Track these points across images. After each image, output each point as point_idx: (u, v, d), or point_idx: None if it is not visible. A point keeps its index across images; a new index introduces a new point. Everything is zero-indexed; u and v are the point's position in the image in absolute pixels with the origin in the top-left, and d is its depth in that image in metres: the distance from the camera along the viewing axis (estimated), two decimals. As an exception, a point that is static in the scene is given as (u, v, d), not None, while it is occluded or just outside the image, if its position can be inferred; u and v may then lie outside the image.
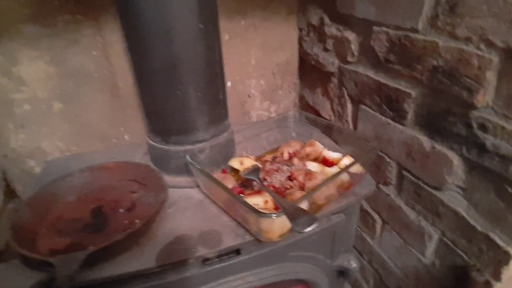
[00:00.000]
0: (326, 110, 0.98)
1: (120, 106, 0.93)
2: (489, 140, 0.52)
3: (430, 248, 0.70)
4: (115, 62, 0.87)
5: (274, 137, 0.67)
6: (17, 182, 0.91)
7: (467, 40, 0.52)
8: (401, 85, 0.67)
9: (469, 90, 0.53)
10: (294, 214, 0.37)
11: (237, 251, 0.48)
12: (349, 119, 0.87)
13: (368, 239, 0.91)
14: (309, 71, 1.03)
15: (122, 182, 0.57)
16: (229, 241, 0.46)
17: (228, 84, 1.03)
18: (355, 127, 0.85)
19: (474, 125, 0.54)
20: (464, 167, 0.58)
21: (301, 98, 1.14)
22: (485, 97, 0.52)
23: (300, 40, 1.04)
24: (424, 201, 0.68)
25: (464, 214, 0.60)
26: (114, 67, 0.87)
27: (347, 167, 0.47)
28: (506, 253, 0.53)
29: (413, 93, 0.64)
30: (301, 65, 1.08)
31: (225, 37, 0.95)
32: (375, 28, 0.69)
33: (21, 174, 0.92)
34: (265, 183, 0.49)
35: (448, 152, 0.60)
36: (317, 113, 1.02)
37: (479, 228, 0.57)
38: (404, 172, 0.71)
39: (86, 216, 0.51)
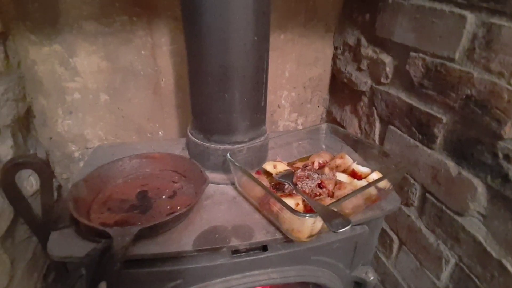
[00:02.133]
0: (353, 127, 1.01)
1: (159, 104, 1.00)
2: (513, 171, 0.54)
3: (446, 272, 0.71)
4: (161, 63, 0.94)
5: (304, 147, 0.71)
6: (57, 164, 0.99)
7: (500, 74, 0.55)
8: (433, 110, 0.69)
9: (498, 122, 0.55)
10: (329, 216, 0.41)
11: (264, 248, 0.51)
12: (376, 138, 0.90)
13: (383, 258, 0.93)
14: (340, 88, 1.07)
15: (165, 172, 0.62)
16: (260, 236, 0.49)
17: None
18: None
19: (500, 155, 0.56)
20: (487, 195, 0.60)
21: (329, 113, 1.17)
22: (513, 130, 0.54)
23: (334, 57, 1.08)
24: (445, 225, 0.69)
25: (482, 240, 0.61)
26: (159, 67, 0.94)
27: (377, 180, 0.50)
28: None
29: (444, 118, 0.66)
30: (332, 81, 1.12)
31: (264, 48, 1.01)
32: (412, 53, 0.73)
33: (61, 157, 0.99)
34: (297, 187, 0.53)
35: (473, 179, 0.61)
36: (344, 129, 1.05)
37: (494, 254, 0.59)
38: (428, 195, 0.73)
39: (132, 198, 0.56)
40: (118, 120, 0.99)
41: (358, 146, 0.64)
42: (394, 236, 0.87)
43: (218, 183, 0.63)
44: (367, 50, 0.90)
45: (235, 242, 0.48)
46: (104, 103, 0.96)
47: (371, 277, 0.61)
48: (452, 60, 0.63)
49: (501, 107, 0.55)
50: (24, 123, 0.84)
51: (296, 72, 1.09)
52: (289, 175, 0.50)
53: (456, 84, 0.63)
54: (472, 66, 0.60)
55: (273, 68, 1.05)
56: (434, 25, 0.66)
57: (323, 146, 0.70)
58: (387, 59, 0.82)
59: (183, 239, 0.48)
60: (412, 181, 0.77)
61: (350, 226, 0.40)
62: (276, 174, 0.57)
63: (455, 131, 0.65)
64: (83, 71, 0.91)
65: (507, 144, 0.55)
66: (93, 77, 0.92)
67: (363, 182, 0.56)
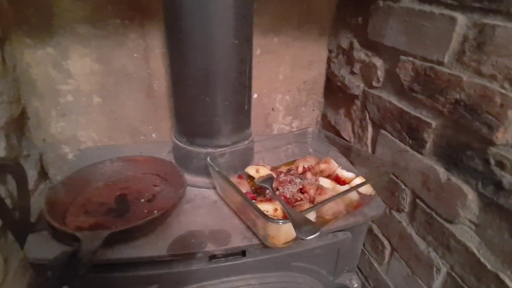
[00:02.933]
0: (347, 131, 0.99)
1: (153, 106, 1.00)
2: (506, 178, 0.52)
3: (438, 281, 0.69)
4: (153, 66, 0.94)
5: (292, 151, 0.70)
6: (50, 165, 0.99)
7: (492, 77, 0.53)
8: (423, 115, 0.68)
9: (489, 127, 0.54)
10: (299, 222, 0.40)
11: (242, 253, 0.50)
12: (369, 142, 0.88)
13: (375, 264, 0.91)
14: (334, 92, 1.06)
15: (147, 175, 0.62)
16: (236, 242, 0.48)
17: (255, 96, 1.08)
18: (373, 151, 0.86)
19: (492, 161, 0.54)
20: (479, 203, 0.58)
21: (324, 116, 1.16)
22: (505, 135, 0.52)
23: (329, 61, 1.07)
24: (435, 233, 0.67)
25: (474, 250, 0.59)
26: (152, 70, 0.94)
27: (357, 186, 0.48)
28: (515, 295, 0.52)
29: (434, 123, 0.65)
30: (327, 85, 1.11)
31: (257, 51, 1.00)
32: (402, 57, 0.71)
33: (55, 158, 1.00)
34: (277, 193, 0.52)
35: (463, 186, 0.60)
36: (338, 133, 1.04)
37: (489, 266, 0.56)
38: (418, 201, 0.71)
39: (111, 202, 0.56)
40: (111, 122, 0.99)
41: (346, 150, 0.63)
42: (386, 242, 0.85)
43: (200, 187, 0.62)
44: (360, 54, 0.89)
45: (210, 248, 0.47)
46: (97, 105, 0.96)
47: (355, 284, 0.59)
48: (441, 63, 0.62)
49: (493, 111, 0.53)
50: (19, 125, 0.84)
51: (291, 75, 1.08)
52: (269, 180, 0.49)
53: (445, 88, 0.61)
54: (461, 69, 0.59)
55: (267, 71, 1.05)
56: (424, 28, 0.65)
57: (311, 150, 0.69)
58: (378, 62, 0.81)
59: (158, 244, 0.48)
60: (403, 186, 0.75)
61: (317, 234, 0.39)
62: (258, 178, 0.56)
63: (444, 136, 0.63)
64: (76, 74, 0.91)
65: (500, 150, 0.53)
66: (86, 79, 0.92)
67: (346, 188, 0.55)
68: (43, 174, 0.97)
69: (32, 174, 0.87)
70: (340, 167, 0.61)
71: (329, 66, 1.07)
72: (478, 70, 0.55)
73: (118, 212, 0.54)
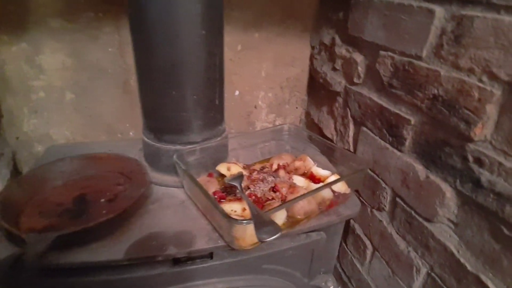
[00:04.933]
0: (329, 129, 0.97)
1: (129, 103, 0.96)
2: (484, 175, 0.51)
3: (418, 282, 0.67)
4: (130, 60, 0.90)
5: (269, 149, 0.67)
6: (24, 163, 0.95)
7: (470, 71, 0.52)
8: (402, 111, 0.66)
9: (467, 122, 0.52)
10: (260, 223, 0.37)
11: (209, 256, 0.48)
12: (350, 140, 0.86)
13: (358, 265, 0.89)
14: (317, 89, 1.04)
15: (110, 173, 0.58)
16: (201, 244, 0.46)
17: (236, 93, 1.05)
18: (355, 149, 0.84)
19: (470, 158, 0.53)
20: (457, 201, 0.56)
21: (307, 114, 1.14)
22: (483, 131, 0.51)
23: (312, 57, 1.05)
24: (414, 232, 0.66)
25: (453, 250, 0.58)
26: (128, 65, 0.91)
27: (329, 184, 0.46)
28: (498, 300, 0.50)
29: (412, 120, 0.63)
30: (310, 82, 1.09)
31: (237, 47, 0.98)
32: (382, 52, 0.70)
33: (28, 157, 0.95)
34: (247, 192, 0.49)
35: (441, 184, 0.58)
36: (321, 131, 1.02)
37: (469, 267, 0.55)
38: (398, 200, 0.70)
39: (68, 202, 0.53)
40: (86, 120, 0.95)
41: (323, 148, 0.61)
42: (367, 242, 0.83)
43: (169, 186, 0.59)
44: (341, 50, 0.87)
45: (172, 251, 0.44)
46: (70, 102, 0.92)
47: (331, 286, 0.57)
48: (419, 58, 0.60)
49: (471, 106, 0.51)
50: (-8, 122, 0.81)
51: (273, 72, 1.06)
52: (238, 178, 0.47)
53: (423, 83, 0.59)
54: (439, 63, 0.57)
55: (249, 67, 1.02)
56: (402, 22, 0.63)
57: (288, 148, 0.66)
58: (359, 58, 0.79)
59: (116, 247, 0.45)
60: (384, 184, 0.74)
61: (278, 235, 0.37)
62: (229, 177, 0.53)
63: (423, 133, 0.61)
64: (48, 69, 0.87)
65: (478, 147, 0.52)
66: (58, 75, 0.89)
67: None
68: (17, 173, 0.93)
69: (4, 173, 0.83)
70: (316, 164, 0.59)
71: (312, 63, 1.05)
72: (456, 64, 0.54)
73: (75, 213, 0.50)
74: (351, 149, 0.86)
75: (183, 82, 0.53)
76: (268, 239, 0.36)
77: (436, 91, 0.57)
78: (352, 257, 0.91)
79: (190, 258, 0.46)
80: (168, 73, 0.52)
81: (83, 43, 0.87)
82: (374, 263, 0.82)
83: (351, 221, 0.90)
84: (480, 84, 0.50)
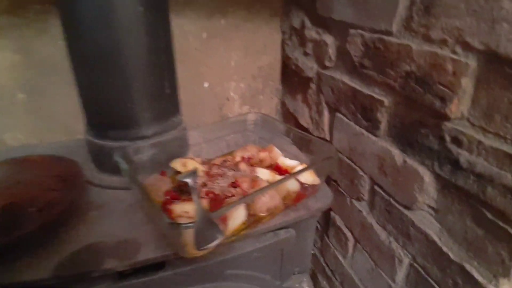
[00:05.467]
0: (304, 117, 0.93)
1: (88, 101, 0.89)
2: (463, 156, 0.47)
3: (401, 273, 0.63)
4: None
5: (236, 141, 0.61)
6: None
7: (442, 42, 0.47)
8: (375, 92, 0.61)
9: (442, 99, 0.48)
10: (202, 226, 0.31)
11: (160, 265, 0.42)
12: (326, 127, 0.82)
13: (340, 258, 0.85)
14: (291, 77, 0.99)
15: (45, 177, 0.51)
16: (146, 253, 0.39)
17: (206, 84, 0.99)
18: (331, 137, 0.80)
19: (447, 138, 0.49)
20: (436, 185, 0.52)
21: (283, 104, 1.09)
22: (459, 107, 0.47)
23: (283, 44, 0.99)
24: (395, 221, 0.62)
25: (435, 238, 0.54)
26: (82, 58, 0.83)
27: (293, 174, 0.41)
28: (486, 291, 0.46)
29: (386, 101, 0.59)
30: (284, 70, 1.03)
31: (202, 35, 0.91)
32: (351, 31, 0.65)
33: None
34: (205, 189, 0.44)
35: (419, 168, 0.54)
36: (297, 121, 0.97)
37: (452, 256, 0.51)
38: (376, 188, 0.65)
39: (-6, 212, 0.45)
40: (41, 121, 0.87)
41: (291, 136, 0.55)
42: (349, 234, 0.79)
43: (118, 188, 0.52)
44: (311, 32, 0.81)
45: (111, 264, 0.38)
46: (21, 102, 0.84)
47: (306, 287, 0.52)
48: (389, 33, 0.56)
49: (445, 81, 0.47)
50: None
51: (244, 60, 1.00)
52: (191, 175, 0.41)
53: (395, 61, 0.55)
54: (410, 37, 0.52)
55: (217, 57, 0.96)
56: (370, -5, 0.58)
57: (256, 138, 0.61)
58: (329, 39, 0.74)
59: (42, 264, 0.38)
60: (361, 172, 0.69)
61: (216, 242, 0.31)
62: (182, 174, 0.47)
63: (397, 115, 0.57)
64: (-6, 68, 0.79)
65: (455, 125, 0.47)
66: (7, 73, 0.81)
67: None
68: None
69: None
70: (284, 155, 0.54)
71: (283, 50, 1.00)
72: (427, 36, 0.49)
73: (1, 225, 0.43)
74: (327, 137, 0.82)
75: (123, 69, 0.47)
76: (204, 248, 0.30)
77: (408, 68, 0.52)
78: (335, 250, 0.87)
79: (137, 270, 0.40)
80: (104, 59, 0.46)
81: (32, 38, 0.79)
82: (356, 256, 0.78)
83: (332, 213, 0.85)
84: (454, 56, 0.46)
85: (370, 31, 0.60)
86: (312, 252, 1.01)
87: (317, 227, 0.95)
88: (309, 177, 0.46)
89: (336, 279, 0.89)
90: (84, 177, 0.49)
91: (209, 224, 0.32)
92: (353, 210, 0.75)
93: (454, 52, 0.46)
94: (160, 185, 0.44)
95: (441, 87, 0.48)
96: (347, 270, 0.82)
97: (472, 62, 0.44)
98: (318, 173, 0.47)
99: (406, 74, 0.53)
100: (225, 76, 1.00)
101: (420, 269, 0.58)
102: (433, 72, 0.49)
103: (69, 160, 0.52)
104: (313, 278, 1.02)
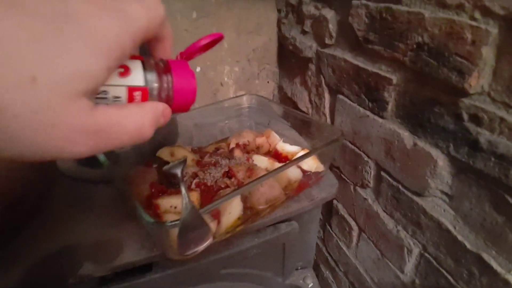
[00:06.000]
0: (304, 101, 0.87)
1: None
2: (483, 135, 0.42)
3: (410, 263, 0.59)
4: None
5: (231, 127, 0.56)
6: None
7: (459, 8, 0.42)
8: (382, 70, 0.56)
9: (460, 72, 0.42)
10: (187, 226, 0.27)
11: (148, 267, 0.37)
12: (326, 111, 0.76)
13: (344, 248, 0.81)
14: (288, 58, 0.93)
15: (14, 171, 0.45)
16: (128, 256, 0.35)
17: (197, 69, 0.92)
18: (332, 121, 0.75)
19: (465, 116, 0.43)
20: (451, 169, 0.47)
21: (280, 89, 1.03)
22: (479, 81, 0.41)
23: (279, 23, 0.93)
24: (403, 208, 0.57)
25: (449, 226, 0.49)
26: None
27: (294, 161, 0.36)
28: (506, 282, 0.42)
29: (395, 78, 0.53)
30: (280, 51, 0.97)
31: (192, 15, 0.85)
32: (354, 2, 0.59)
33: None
34: (195, 180, 0.39)
35: (432, 150, 0.49)
36: (295, 106, 0.92)
37: (468, 246, 0.47)
38: (383, 174, 0.61)
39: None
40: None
41: (290, 119, 0.50)
42: (353, 223, 0.75)
43: (98, 181, 0.47)
44: (309, 8, 0.75)
45: (88, 269, 0.33)
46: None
47: (310, 283, 0.48)
48: (398, 1, 0.50)
49: (463, 51, 0.42)
50: None
51: (237, 42, 0.93)
52: (178, 165, 0.36)
53: (404, 32, 0.49)
54: (422, 4, 0.47)
55: (208, 38, 0.90)
56: (376, -42, 0.52)
57: (252, 124, 0.56)
58: (329, 14, 0.68)
59: (9, 269, 0.33)
60: (366, 158, 0.65)
61: (206, 244, 0.27)
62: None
63: (407, 93, 0.52)
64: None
65: (474, 101, 0.42)
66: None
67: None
68: None
69: None
70: (283, 140, 0.48)
71: (280, 29, 0.93)
72: (442, 1, 0.44)
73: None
74: (328, 121, 0.76)
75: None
76: (191, 252, 0.25)
77: (420, 39, 0.47)
78: (338, 240, 0.83)
79: (121, 274, 0.36)
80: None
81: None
82: (361, 246, 0.74)
83: (334, 201, 0.81)
84: (473, 23, 0.40)
85: (375, 1, 0.54)
86: (315, 241, 0.98)
87: (318, 216, 0.91)
88: (312, 164, 0.41)
89: (340, 269, 0.85)
90: (58, 170, 0.43)
91: (196, 223, 0.27)
92: (357, 198, 0.71)
93: (472, 18, 0.41)
94: (145, 177, 0.39)
95: (459, 59, 0.42)
96: (351, 260, 0.79)
97: (493, 29, 0.39)
98: (321, 159, 0.42)
99: (418, 46, 0.47)
100: (218, 60, 0.94)
101: (431, 259, 0.54)
102: (449, 42, 0.43)
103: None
104: (316, 268, 0.99)
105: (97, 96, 0.20)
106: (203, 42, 0.29)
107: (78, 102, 0.17)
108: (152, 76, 0.23)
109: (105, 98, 0.21)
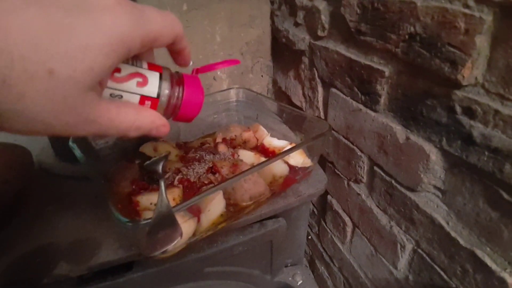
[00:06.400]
0: (297, 95, 0.86)
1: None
2: (477, 129, 0.40)
3: (403, 260, 0.58)
4: None
5: (219, 121, 0.54)
6: None
7: (452, -4, 0.40)
8: (374, 62, 0.54)
9: (452, 63, 0.41)
10: (157, 224, 0.25)
11: (128, 266, 0.36)
12: (320, 105, 0.75)
13: (338, 243, 0.80)
14: (281, 51, 0.91)
15: None
16: (106, 255, 0.33)
17: (190, 63, 0.91)
18: (326, 115, 0.73)
19: (458, 109, 0.42)
20: (444, 164, 0.46)
21: (275, 83, 1.01)
22: (473, 72, 0.40)
23: (272, 15, 0.91)
24: (396, 204, 0.56)
25: (442, 222, 0.48)
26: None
27: (277, 156, 0.35)
28: (501, 280, 0.41)
29: (387, 71, 0.52)
30: (274, 44, 0.95)
31: (182, 7, 0.83)
32: (346, -9, 0.57)
33: None
34: (178, 177, 0.38)
35: (425, 145, 0.48)
36: (289, 100, 0.90)
37: (461, 242, 0.45)
38: (376, 168, 0.60)
39: None
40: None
41: (279, 112, 0.49)
42: (347, 218, 0.74)
43: (79, 178, 0.45)
44: (302, -2, 0.73)
45: (62, 269, 0.32)
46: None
47: (299, 281, 0.47)
48: (390, -11, 0.48)
49: (456, 41, 0.40)
50: None
51: (230, 35, 0.91)
52: (159, 161, 0.35)
53: (397, 22, 0.48)
54: (415, -7, 0.45)
55: (200, 31, 0.88)
56: None
57: (241, 118, 0.54)
58: (321, 5, 0.66)
59: None
60: (359, 152, 0.63)
61: (173, 244, 0.25)
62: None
63: (400, 85, 0.50)
64: None
65: (467, 93, 0.41)
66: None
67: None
68: None
69: None
70: (270, 134, 0.47)
71: (273, 22, 0.91)
72: (436, -11, 0.42)
73: None
74: (322, 115, 0.75)
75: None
76: (158, 252, 0.24)
77: (412, 29, 0.45)
78: (332, 236, 0.82)
79: (99, 273, 0.35)
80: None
81: None
82: (355, 241, 0.73)
83: (328, 196, 0.80)
84: (466, 10, 0.39)
85: (367, -10, 0.52)
86: (309, 237, 0.97)
87: (313, 211, 0.90)
88: (299, 158, 0.40)
89: (334, 264, 0.85)
90: (34, 167, 0.42)
91: (167, 221, 0.25)
92: (351, 193, 0.70)
93: (466, 5, 0.39)
94: (126, 174, 0.37)
95: (452, 49, 0.41)
96: (345, 256, 0.78)
97: (487, 17, 0.37)
98: (309, 153, 0.40)
99: (410, 36, 0.46)
100: (210, 53, 0.92)
101: (424, 255, 0.53)
102: (441, 31, 0.42)
103: (18, 147, 0.45)
104: (311, 264, 0.98)
105: (112, 96, 0.23)
106: (220, 67, 0.32)
107: (87, 95, 0.19)
108: (166, 87, 0.25)
109: (119, 99, 0.24)
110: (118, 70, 0.23)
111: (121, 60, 0.20)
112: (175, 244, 0.25)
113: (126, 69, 0.23)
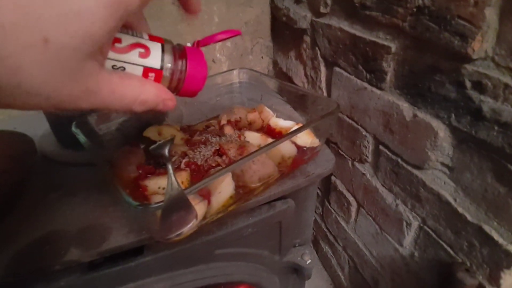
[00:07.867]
0: (299, 76, 0.84)
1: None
2: (486, 103, 0.40)
3: (409, 237, 0.59)
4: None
5: (222, 104, 0.53)
6: None
7: (464, -35, 0.38)
8: (379, 37, 0.53)
9: (462, 36, 0.40)
10: (170, 207, 0.25)
11: (139, 250, 0.36)
12: (323, 85, 0.74)
13: (343, 223, 0.81)
14: (282, 31, 0.88)
15: None
16: (116, 240, 0.33)
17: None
18: (329, 95, 0.72)
19: (468, 83, 0.41)
20: (452, 140, 0.46)
21: (275, 64, 0.99)
22: (483, 45, 0.39)
23: (271, -7, 0.88)
24: (402, 182, 0.56)
25: (449, 199, 0.48)
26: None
27: (286, 136, 0.34)
28: (507, 253, 0.41)
29: (393, 46, 0.50)
30: (274, 24, 0.93)
31: (178, -14, 0.80)
32: (350, -36, 0.55)
33: None
34: (185, 160, 0.37)
35: (432, 121, 0.47)
36: (291, 81, 0.89)
37: (469, 217, 0.46)
38: (382, 148, 0.59)
39: None
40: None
41: (282, 92, 0.48)
42: (351, 198, 0.74)
43: (82, 165, 0.44)
44: (303, -27, 0.71)
45: (72, 256, 0.32)
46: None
47: (308, 260, 0.48)
48: (397, -41, 0.46)
49: (466, 13, 0.39)
50: None
51: (227, 15, 0.89)
52: (165, 144, 0.34)
53: (404, -6, 0.46)
54: (423, -37, 0.43)
55: (197, 12, 0.85)
56: None
57: (245, 100, 0.53)
58: (324, -21, 0.63)
59: None
60: (364, 132, 0.63)
61: (190, 227, 0.25)
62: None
63: (406, 61, 0.49)
64: None
65: (477, 67, 0.40)
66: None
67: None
68: None
69: None
70: (276, 115, 0.46)
71: (272, 0, 0.88)
72: (446, -42, 0.40)
73: None
74: (325, 95, 0.74)
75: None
76: (174, 235, 0.24)
77: (421, 2, 0.44)
78: (337, 216, 0.83)
79: (110, 258, 0.35)
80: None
81: None
82: (360, 221, 0.73)
83: (332, 177, 0.80)
84: (479, -19, 0.37)
85: (372, -38, 0.50)
86: (313, 218, 0.98)
87: (317, 192, 0.90)
88: (307, 138, 0.39)
89: (339, 244, 0.86)
90: (36, 155, 0.41)
91: (180, 203, 0.25)
92: (355, 173, 0.69)
93: (478, -25, 0.37)
94: (131, 159, 0.37)
95: (461, 22, 0.39)
96: (350, 235, 0.78)
97: (497, -12, 0.36)
98: (317, 133, 0.40)
99: (418, 9, 0.44)
100: (209, 34, 0.89)
101: (431, 232, 0.53)
102: (450, 4, 0.40)
103: (20, 135, 0.44)
104: (315, 244, 1.00)
105: (114, 68, 0.22)
106: (221, 37, 0.31)
107: (86, 63, 0.18)
108: (168, 59, 0.24)
109: (122, 71, 0.22)
110: (118, 40, 0.21)
111: (120, 23, 0.18)
112: (191, 226, 0.25)
113: (127, 40, 0.22)
